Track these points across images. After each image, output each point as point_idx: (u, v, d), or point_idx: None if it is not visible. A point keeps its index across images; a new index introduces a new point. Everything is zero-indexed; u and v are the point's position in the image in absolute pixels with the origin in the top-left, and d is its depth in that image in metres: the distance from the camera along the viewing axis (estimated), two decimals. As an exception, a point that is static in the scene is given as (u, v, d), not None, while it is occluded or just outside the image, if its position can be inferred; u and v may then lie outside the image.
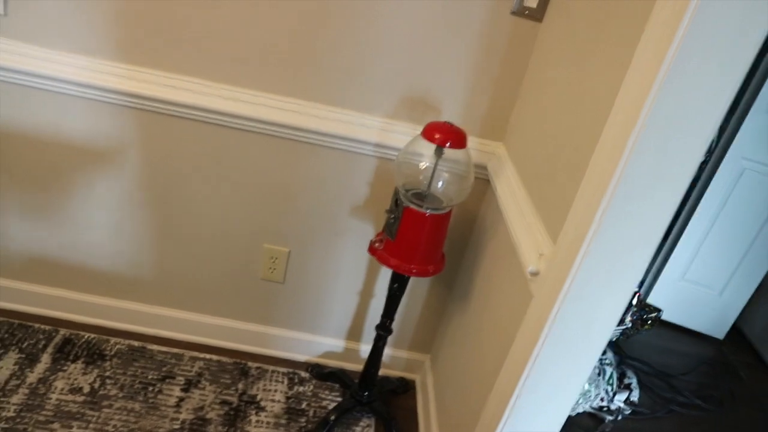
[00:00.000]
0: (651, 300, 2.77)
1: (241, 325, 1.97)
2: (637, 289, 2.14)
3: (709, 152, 1.57)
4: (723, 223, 2.55)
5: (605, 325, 1.19)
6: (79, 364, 1.82)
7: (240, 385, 1.89)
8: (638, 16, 1.02)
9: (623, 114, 1.00)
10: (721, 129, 2.47)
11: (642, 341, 2.66)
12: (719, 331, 2.82)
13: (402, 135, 1.64)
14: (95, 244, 1.82)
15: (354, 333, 2.01)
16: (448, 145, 1.44)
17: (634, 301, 2.13)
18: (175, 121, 1.63)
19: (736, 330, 2.90)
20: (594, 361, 1.25)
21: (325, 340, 2.01)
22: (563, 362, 1.22)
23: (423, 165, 1.54)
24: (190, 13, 1.51)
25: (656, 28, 0.95)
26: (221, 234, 1.81)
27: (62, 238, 1.81)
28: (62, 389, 1.72)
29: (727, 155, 2.41)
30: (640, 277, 1.14)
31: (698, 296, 2.75)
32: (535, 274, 1.25)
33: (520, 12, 1.51)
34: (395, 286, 1.67)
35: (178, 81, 1.58)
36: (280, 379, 1.95)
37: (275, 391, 1.90)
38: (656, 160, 0.98)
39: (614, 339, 2.19)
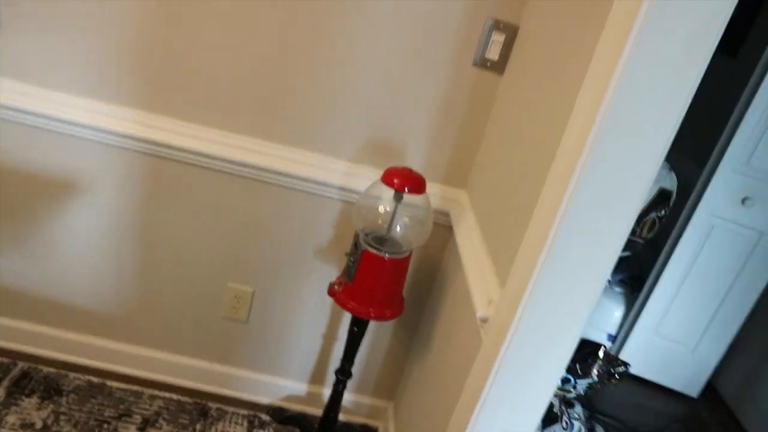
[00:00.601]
0: (624, 354, 2.76)
1: (203, 364, 1.95)
2: (603, 344, 2.13)
3: (669, 207, 1.60)
4: (694, 279, 2.56)
5: (551, 371, 1.19)
6: (35, 399, 1.79)
7: (198, 426, 1.86)
8: (579, 73, 1.06)
9: (563, 166, 1.03)
10: (692, 186, 2.51)
11: (614, 397, 2.64)
12: (693, 389, 2.80)
13: (366, 179, 1.66)
14: (57, 276, 1.82)
15: (317, 376, 1.99)
16: (406, 190, 1.46)
17: (601, 354, 2.11)
18: (144, 159, 1.65)
19: (710, 388, 2.87)
20: (542, 409, 1.24)
21: (288, 382, 1.98)
22: (511, 409, 1.21)
23: (382, 209, 1.56)
24: (162, 53, 1.55)
25: (591, 85, 0.98)
26: (185, 271, 1.81)
27: (23, 269, 1.81)
28: (13, 424, 1.69)
29: (696, 212, 2.44)
30: (581, 327, 1.14)
31: (671, 352, 2.73)
32: (484, 320, 1.25)
33: (482, 64, 1.56)
34: (355, 329, 1.67)
35: (145, 118, 1.61)
36: (239, 422, 1.92)
37: (233, 433, 1.87)
38: (594, 210, 1.01)
39: (581, 393, 2.17)
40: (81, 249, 1.78)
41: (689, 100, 0.92)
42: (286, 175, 1.66)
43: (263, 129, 1.64)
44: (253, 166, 1.65)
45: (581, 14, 1.13)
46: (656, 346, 2.73)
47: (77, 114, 1.59)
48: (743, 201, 2.40)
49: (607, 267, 1.07)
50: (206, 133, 1.63)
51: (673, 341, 2.71)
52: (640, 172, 0.98)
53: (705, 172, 2.43)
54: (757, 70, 2.25)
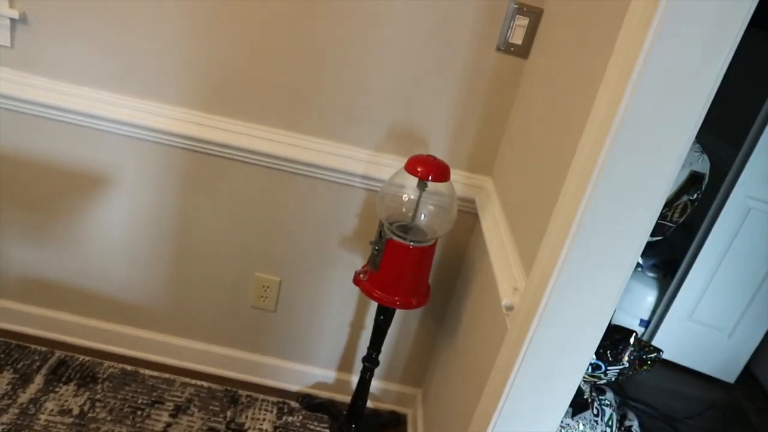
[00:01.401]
0: (657, 340, 2.71)
1: (233, 352, 1.98)
2: (635, 329, 2.09)
3: (702, 191, 1.56)
4: (730, 262, 2.50)
5: (578, 358, 1.17)
6: (72, 386, 1.84)
7: (228, 413, 1.89)
8: (603, 57, 1.03)
9: (587, 152, 1.01)
10: (726, 168, 2.44)
11: (647, 383, 2.60)
12: (730, 375, 2.74)
13: (389, 168, 1.66)
14: (93, 268, 1.86)
15: (345, 364, 2.00)
16: (430, 178, 1.45)
17: (632, 340, 2.08)
18: (174, 152, 1.67)
19: (748, 374, 2.81)
20: (569, 396, 1.23)
21: (316, 370, 2.00)
22: (537, 396, 1.20)
23: (406, 197, 1.55)
24: (193, 49, 1.56)
25: (615, 69, 0.96)
26: (215, 262, 1.84)
27: (60, 261, 1.86)
28: (52, 410, 1.75)
29: (732, 194, 2.37)
30: (610, 313, 1.13)
31: (706, 338, 2.68)
32: (510, 308, 1.24)
33: (506, 49, 1.54)
34: (381, 317, 1.67)
35: (178, 113, 1.63)
36: (269, 408, 1.95)
37: (263, 420, 1.90)
38: (618, 197, 0.98)
39: (612, 379, 2.14)
40: (115, 243, 1.82)
41: (717, 84, 0.89)
42: (310, 165, 1.67)
43: (288, 120, 1.64)
44: (278, 157, 1.66)
45: (605, -5, 1.10)
46: (691, 332, 2.68)
47: (112, 110, 1.62)
48: (781, 182, 2.32)
49: (632, 254, 1.05)
50: (233, 125, 1.64)
51: (709, 326, 2.65)
52: (665, 157, 0.95)
53: (741, 154, 2.36)
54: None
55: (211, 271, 1.85)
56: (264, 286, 1.87)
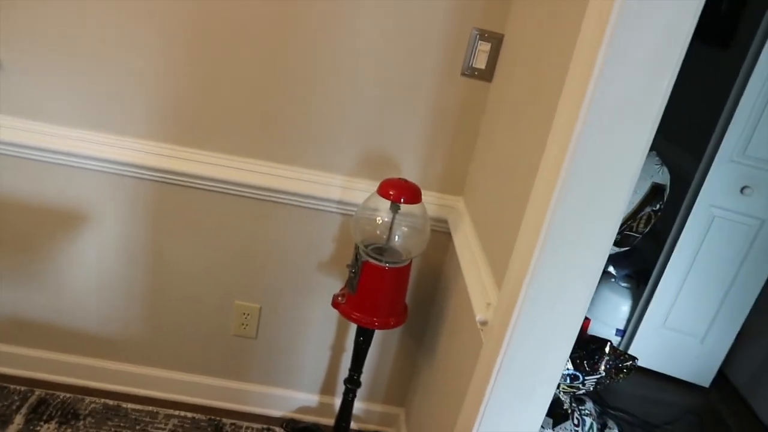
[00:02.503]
0: (633, 348, 2.77)
1: (215, 381, 1.98)
2: (610, 339, 2.15)
3: (664, 201, 1.63)
4: (698, 270, 2.58)
5: (551, 369, 1.21)
6: (53, 425, 1.83)
7: (213, 443, 1.89)
8: (559, 80, 1.09)
9: (548, 170, 1.06)
10: (690, 178, 2.53)
11: (626, 391, 2.65)
12: (704, 379, 2.80)
13: (363, 192, 1.70)
14: (70, 304, 1.86)
15: (328, 387, 2.02)
16: (402, 200, 1.50)
17: (607, 350, 2.13)
18: (150, 185, 1.70)
19: (722, 377, 2.88)
20: (545, 406, 1.27)
21: (299, 394, 2.02)
22: (514, 407, 1.24)
23: (380, 220, 1.59)
24: (163, 82, 1.60)
25: (569, 94, 1.01)
26: (194, 292, 1.85)
27: (37, 298, 1.85)
28: (34, 450, 1.74)
29: (696, 204, 2.45)
30: (578, 324, 1.17)
31: (680, 344, 2.74)
32: (484, 323, 1.28)
33: (470, 73, 1.60)
34: (360, 339, 1.70)
35: (153, 147, 1.66)
36: (254, 436, 1.95)
37: (248, 448, 1.90)
38: (580, 212, 1.03)
39: (590, 389, 2.18)
40: (91, 277, 1.82)
41: (664, 103, 0.95)
42: (286, 193, 1.70)
43: (263, 149, 1.68)
44: (253, 187, 1.69)
45: (560, 17, 1.17)
46: (665, 339, 2.74)
47: (81, 146, 1.64)
48: (742, 190, 2.41)
49: (596, 265, 1.10)
50: (209, 157, 1.67)
51: (682, 332, 2.72)
52: (619, 174, 1.00)
53: (702, 164, 2.45)
54: (748, 61, 2.28)
55: (190, 301, 1.86)
56: (244, 314, 1.88)
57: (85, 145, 1.64)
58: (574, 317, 1.16)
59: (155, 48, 1.56)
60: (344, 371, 1.98)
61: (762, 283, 2.56)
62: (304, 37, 1.55)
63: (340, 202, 1.72)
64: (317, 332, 1.92)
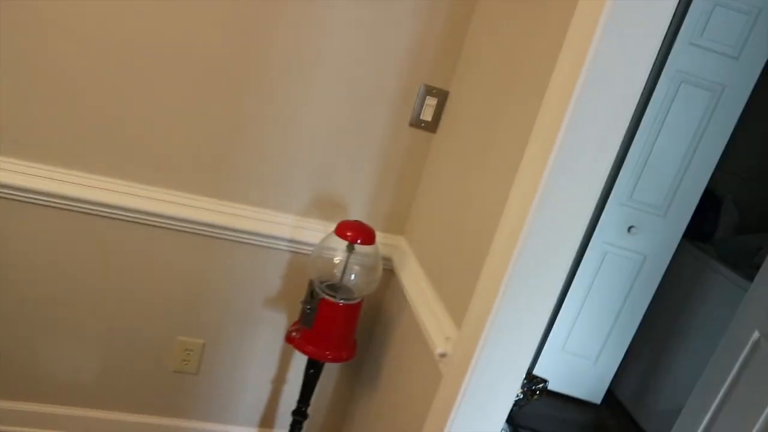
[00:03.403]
0: (537, 371, 3.02)
1: (153, 419, 1.96)
2: (525, 363, 2.35)
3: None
4: (592, 299, 2.89)
5: (508, 393, 1.37)
6: (-24, 474, 1.73)
7: (151, 483, 1.87)
8: (509, 141, 1.26)
9: (510, 223, 1.22)
10: (586, 217, 2.84)
11: (531, 411, 2.88)
12: (596, 397, 3.11)
13: (313, 231, 1.79)
14: (-1, 344, 1.78)
15: (267, 420, 2.05)
16: (359, 242, 1.61)
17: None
18: (91, 220, 1.68)
19: (611, 395, 3.21)
20: (498, 428, 1.42)
21: (238, 428, 2.03)
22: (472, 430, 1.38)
23: (336, 259, 1.69)
24: (110, 114, 1.61)
25: (529, 166, 1.19)
26: (135, 330, 1.83)
27: (-37, 340, 1.76)
28: (-42, 502, 1.63)
29: (592, 241, 2.77)
30: (532, 354, 1.34)
31: (577, 366, 3.04)
32: (443, 355, 1.41)
33: (417, 124, 1.75)
34: (311, 371, 1.77)
35: (101, 183, 1.65)
36: (192, 474, 1.94)
37: (188, 486, 1.89)
38: (537, 260, 1.20)
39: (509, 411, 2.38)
40: (27, 315, 1.75)
41: (606, 173, 1.15)
42: (234, 230, 1.75)
43: (213, 188, 1.72)
44: (202, 223, 1.73)
45: (515, 86, 1.35)
46: (564, 361, 3.03)
47: (30, 180, 1.60)
48: (629, 229, 2.76)
49: (550, 303, 1.27)
50: (154, 192, 1.69)
51: (578, 355, 3.02)
52: (572, 231, 1.19)
53: (597, 206, 2.77)
54: (635, 115, 2.63)
55: (131, 338, 1.84)
56: (186, 350, 1.89)
57: (28, 178, 1.60)
58: (529, 348, 1.32)
59: (108, 82, 1.58)
60: (284, 404, 2.03)
61: (644, 310, 2.92)
62: (261, 81, 1.64)
63: (289, 241, 1.79)
64: (259, 366, 1.97)
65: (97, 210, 1.66)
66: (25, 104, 1.56)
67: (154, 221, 1.71)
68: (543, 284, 1.23)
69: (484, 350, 1.27)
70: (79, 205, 1.65)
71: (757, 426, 2.14)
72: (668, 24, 1.07)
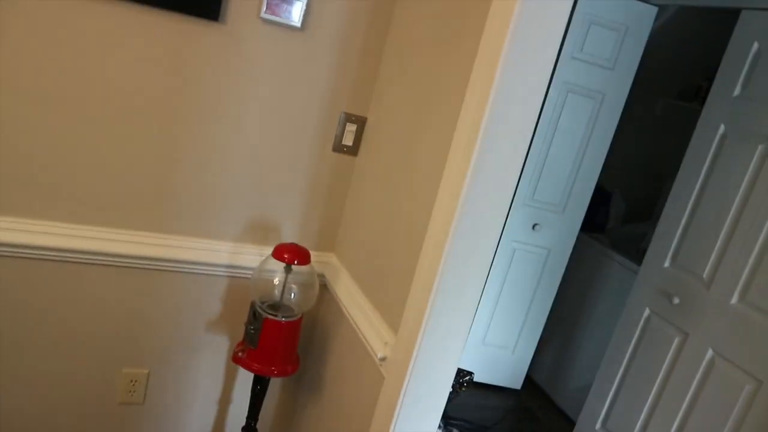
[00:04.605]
0: (461, 365, 3.24)
1: (100, 454, 1.99)
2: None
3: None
4: (506, 294, 3.14)
5: (444, 387, 1.54)
6: None
7: None
8: (435, 161, 1.44)
9: (432, 243, 1.39)
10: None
11: (460, 402, 3.10)
12: (517, 383, 3.38)
13: (249, 255, 1.89)
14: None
15: (215, 441, 2.13)
16: (295, 262, 1.73)
17: (451, 369, 2.54)
18: (28, 263, 1.71)
19: (529, 380, 3.49)
20: (438, 418, 1.59)
21: (187, 452, 2.10)
22: (416, 423, 1.53)
23: (275, 280, 1.81)
24: (39, 151, 1.65)
25: (450, 174, 1.36)
26: (78, 367, 1.86)
27: None
28: None
29: (501, 240, 3.02)
30: (462, 349, 1.52)
31: (497, 356, 3.29)
32: (383, 359, 1.57)
33: (339, 149, 1.90)
34: (258, 388, 1.87)
35: (32, 226, 1.68)
36: (145, 501, 1.99)
37: None
38: (460, 266, 1.38)
39: (439, 404, 2.57)
40: (-38, 363, 1.75)
41: (518, 173, 1.35)
42: (171, 261, 1.82)
43: (150, 222, 1.79)
44: (140, 257, 1.79)
45: (416, 106, 1.52)
46: (485, 353, 3.27)
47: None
48: (533, 227, 3.03)
49: (473, 305, 1.46)
50: (93, 232, 1.74)
51: (497, 347, 3.27)
52: (490, 237, 1.38)
53: (503, 207, 3.03)
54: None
55: (73, 376, 1.87)
56: (132, 381, 1.94)
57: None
58: (460, 344, 1.50)
59: (42, 128, 1.62)
60: (232, 422, 2.12)
61: (552, 298, 3.21)
62: (192, 118, 1.73)
63: (228, 266, 1.89)
64: (205, 389, 2.04)
65: (33, 254, 1.69)
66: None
67: (90, 259, 1.75)
68: (468, 284, 1.41)
69: (421, 350, 1.44)
70: (13, 250, 1.67)
71: (654, 387, 2.44)
72: (556, 48, 1.28)
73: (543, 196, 3.00)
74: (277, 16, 1.69)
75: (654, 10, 2.81)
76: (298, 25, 1.71)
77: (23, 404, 1.85)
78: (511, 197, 1.38)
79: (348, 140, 1.89)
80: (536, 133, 2.86)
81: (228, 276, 1.92)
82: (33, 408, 1.87)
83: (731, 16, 3.10)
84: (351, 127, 1.88)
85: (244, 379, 2.07)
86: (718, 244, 2.23)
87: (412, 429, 1.52)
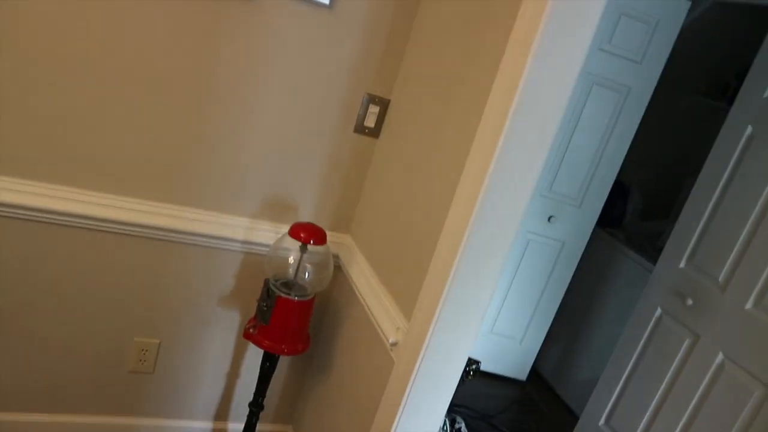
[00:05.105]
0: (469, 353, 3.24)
1: (109, 419, 2.01)
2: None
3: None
4: (518, 284, 3.13)
5: (453, 375, 1.54)
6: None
7: (111, 481, 1.92)
8: (459, 148, 1.42)
9: (452, 234, 1.38)
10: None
11: (465, 390, 3.10)
12: (522, 374, 3.38)
13: (265, 232, 1.89)
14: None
15: (222, 413, 2.15)
16: (311, 242, 1.73)
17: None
18: (47, 228, 1.71)
19: (535, 372, 3.48)
20: (445, 406, 1.59)
21: (194, 423, 2.12)
22: (425, 411, 1.54)
23: (290, 259, 1.80)
24: (66, 120, 1.65)
25: (471, 168, 1.35)
26: (91, 333, 1.88)
27: None
28: None
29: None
30: (475, 338, 1.51)
31: (504, 346, 3.28)
32: (395, 344, 1.56)
33: (361, 130, 1.88)
34: (267, 365, 1.88)
35: (56, 191, 1.69)
36: (150, 469, 2.01)
37: (148, 480, 1.97)
38: (478, 256, 1.37)
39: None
40: (-23, 323, 1.77)
41: (540, 170, 1.33)
42: (188, 233, 1.83)
43: (168, 193, 1.79)
44: (157, 228, 1.79)
45: (441, 92, 1.50)
46: (492, 343, 3.26)
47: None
48: (549, 219, 3.01)
49: (491, 291, 1.44)
50: (115, 201, 1.74)
51: (505, 337, 3.26)
52: (508, 228, 1.36)
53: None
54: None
55: (86, 342, 1.88)
56: (143, 350, 1.95)
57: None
58: (473, 333, 1.49)
59: (63, 88, 1.62)
60: (239, 397, 2.13)
61: (563, 291, 3.19)
62: (215, 92, 1.72)
63: (242, 242, 1.89)
64: (214, 362, 2.05)
65: (53, 218, 1.70)
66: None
67: (108, 227, 1.76)
68: (486, 274, 1.40)
69: (434, 337, 1.43)
70: (35, 214, 1.68)
71: (662, 388, 2.43)
72: (590, 42, 1.26)
73: (561, 188, 2.97)
74: (305, -8, 1.67)
75: (687, 4, 2.75)
76: (327, 2, 1.69)
77: (36, 368, 1.88)
78: (534, 188, 1.36)
79: (370, 122, 1.88)
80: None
81: (243, 252, 1.92)
82: (45, 372, 1.89)
83: (765, 14, 3.03)
84: (374, 109, 1.86)
85: (254, 355, 2.08)
86: (737, 247, 2.20)
87: (419, 415, 1.52)
